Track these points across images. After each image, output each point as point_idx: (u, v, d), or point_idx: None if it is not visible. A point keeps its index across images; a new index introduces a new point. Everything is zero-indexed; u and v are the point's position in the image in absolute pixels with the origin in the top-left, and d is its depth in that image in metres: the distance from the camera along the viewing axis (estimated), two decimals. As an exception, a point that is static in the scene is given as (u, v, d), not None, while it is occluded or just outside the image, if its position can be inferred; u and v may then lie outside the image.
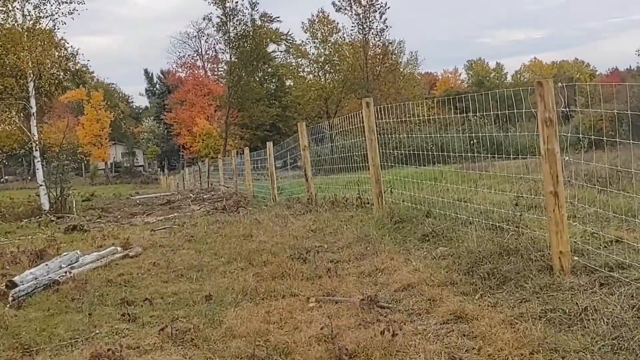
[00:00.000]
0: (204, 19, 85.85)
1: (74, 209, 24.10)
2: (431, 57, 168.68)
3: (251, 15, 78.45)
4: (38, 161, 24.39)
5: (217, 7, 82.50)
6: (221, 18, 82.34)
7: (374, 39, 72.55)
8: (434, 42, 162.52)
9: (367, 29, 71.26)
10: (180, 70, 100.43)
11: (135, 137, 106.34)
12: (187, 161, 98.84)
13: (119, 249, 9.63)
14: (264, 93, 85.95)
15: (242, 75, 78.68)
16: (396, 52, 74.43)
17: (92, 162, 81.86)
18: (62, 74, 24.91)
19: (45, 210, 23.73)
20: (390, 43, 73.39)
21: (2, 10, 24.38)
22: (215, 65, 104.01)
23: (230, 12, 77.09)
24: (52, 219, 22.12)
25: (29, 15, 24.00)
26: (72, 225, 16.45)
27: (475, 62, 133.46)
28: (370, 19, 71.04)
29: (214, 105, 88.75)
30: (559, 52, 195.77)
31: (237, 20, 77.75)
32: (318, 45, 74.45)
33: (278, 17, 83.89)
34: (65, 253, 8.77)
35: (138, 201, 29.18)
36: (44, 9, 23.72)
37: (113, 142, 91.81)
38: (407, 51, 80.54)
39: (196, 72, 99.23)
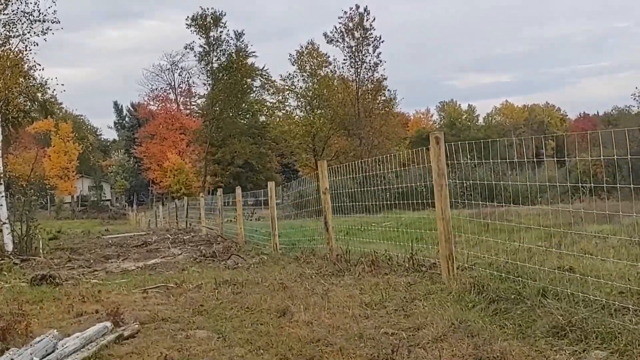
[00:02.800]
0: (185, 48, 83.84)
1: (40, 250, 21.41)
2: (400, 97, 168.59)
3: (236, 45, 76.27)
4: (2, 196, 21.64)
5: (200, 36, 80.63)
6: (204, 47, 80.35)
7: (367, 74, 70.38)
8: (402, 83, 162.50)
9: (359, 62, 69.00)
10: (152, 103, 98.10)
11: (103, 170, 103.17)
12: (157, 196, 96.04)
13: (108, 325, 7.11)
14: (245, 128, 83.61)
15: (223, 108, 76.12)
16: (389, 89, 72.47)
17: (57, 196, 78.54)
18: (29, 103, 22.31)
19: (8, 251, 20.96)
20: (385, 78, 71.01)
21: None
22: (188, 99, 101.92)
23: (214, 42, 74.97)
24: (15, 262, 19.46)
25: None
26: (41, 275, 13.81)
27: (447, 104, 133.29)
28: (363, 53, 68.93)
29: (185, 140, 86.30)
30: (529, 96, 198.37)
31: (220, 51, 75.69)
32: (306, 79, 71.80)
33: (254, 52, 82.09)
34: (38, 338, 6.23)
35: (110, 241, 26.53)
36: (15, 28, 21.20)
37: (80, 175, 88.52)
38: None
39: (168, 105, 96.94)
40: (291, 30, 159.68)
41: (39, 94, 24.69)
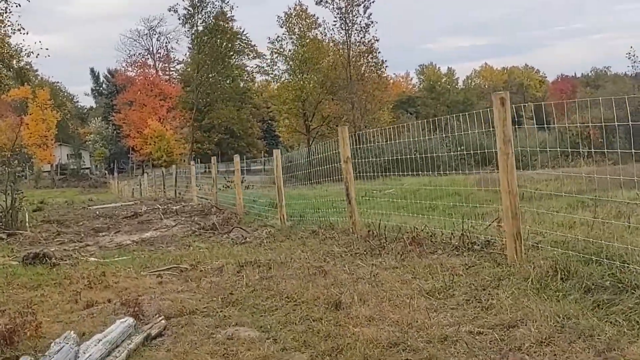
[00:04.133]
0: (169, 10, 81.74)
1: (27, 224, 20.20)
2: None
3: (221, 8, 74.20)
4: (-18, 167, 20.38)
5: None
6: (188, 10, 78.30)
7: (358, 36, 68.12)
8: (381, 47, 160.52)
9: (350, 24, 66.59)
10: (130, 69, 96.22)
11: (81, 138, 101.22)
12: (137, 164, 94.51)
13: (131, 322, 6.04)
14: (231, 93, 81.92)
15: (209, 72, 74.31)
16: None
17: (36, 165, 76.73)
18: (5, 71, 20.94)
19: (-11, 225, 19.74)
20: (377, 40, 68.68)
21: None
22: (167, 65, 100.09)
23: (198, 4, 72.89)
24: (1, 236, 18.28)
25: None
26: (33, 253, 12.66)
27: (427, 67, 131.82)
28: (353, 14, 66.48)
29: (166, 107, 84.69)
30: (507, 59, 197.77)
31: (205, 13, 73.66)
32: (295, 41, 69.34)
33: (233, 16, 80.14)
34: (56, 346, 5.14)
35: (97, 212, 25.36)
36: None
37: (58, 144, 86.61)
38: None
39: (147, 71, 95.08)
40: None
41: (14, 61, 23.24)
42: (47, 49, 19.29)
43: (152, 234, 17.54)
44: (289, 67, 66.27)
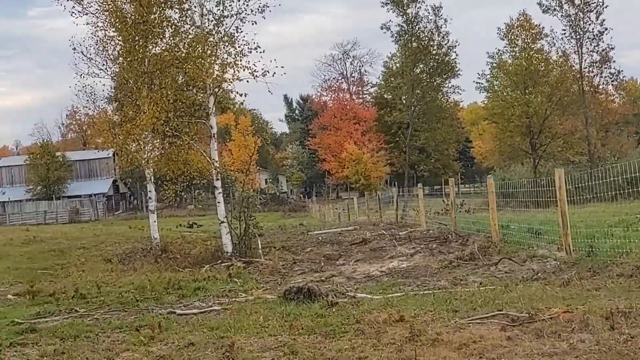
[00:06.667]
0: (381, 28, 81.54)
1: (259, 251, 19.43)
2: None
3: (435, 22, 72.75)
4: (219, 192, 19.86)
5: (397, 14, 78.06)
6: (401, 27, 77.77)
7: (590, 45, 62.69)
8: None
9: (580, 32, 61.48)
10: (324, 94, 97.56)
11: (276, 163, 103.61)
12: (332, 187, 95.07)
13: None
14: (449, 110, 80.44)
15: (426, 90, 73.08)
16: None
17: (238, 190, 78.79)
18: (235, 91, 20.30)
19: (228, 252, 19.17)
20: (612, 48, 62.99)
21: (176, 10, 20.24)
22: (360, 88, 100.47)
23: (412, 20, 71.94)
24: (238, 264, 17.54)
25: (210, 14, 19.64)
26: (296, 288, 11.39)
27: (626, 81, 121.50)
28: (585, 21, 61.51)
29: (360, 130, 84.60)
30: None
31: (419, 29, 72.62)
32: (517, 54, 64.52)
33: (448, 32, 78.28)
34: None
35: (320, 238, 24.36)
36: (229, 6, 19.25)
37: (258, 169, 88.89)
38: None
39: (341, 95, 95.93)
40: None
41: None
42: (282, 66, 18.27)
43: (397, 264, 16.11)
44: (511, 81, 62.27)
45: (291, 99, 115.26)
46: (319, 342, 7.43)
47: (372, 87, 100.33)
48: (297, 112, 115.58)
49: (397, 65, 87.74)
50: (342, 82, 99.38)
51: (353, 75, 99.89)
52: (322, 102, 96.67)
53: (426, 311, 8.56)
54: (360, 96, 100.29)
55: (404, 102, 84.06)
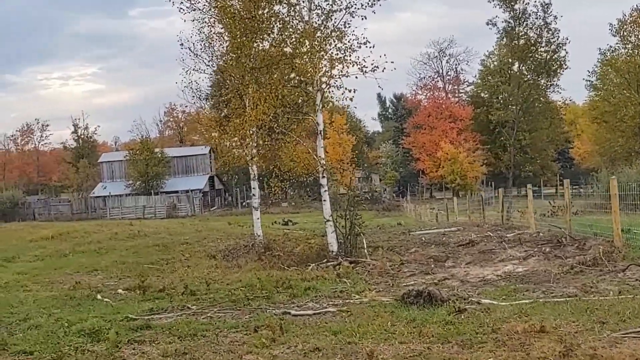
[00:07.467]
0: (487, 24, 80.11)
1: (365, 250, 19.00)
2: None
3: (543, 18, 70.71)
4: (325, 190, 19.56)
5: (504, 9, 76.53)
6: (508, 22, 76.23)
7: None
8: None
9: None
10: (420, 92, 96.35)
11: (370, 162, 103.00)
12: (426, 187, 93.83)
13: None
14: (556, 110, 78.29)
15: (532, 88, 71.09)
16: None
17: (333, 187, 78.77)
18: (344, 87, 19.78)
19: (333, 252, 18.81)
20: None
21: (284, 5, 20.00)
22: (456, 87, 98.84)
23: (520, 15, 70.24)
24: (345, 264, 17.16)
25: (318, 9, 19.30)
26: (415, 292, 10.89)
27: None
28: None
29: (456, 129, 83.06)
30: None
31: (526, 25, 70.88)
32: (631, 51, 61.87)
33: (558, 29, 75.89)
34: None
35: (423, 239, 23.73)
36: (339, 0, 18.87)
37: (352, 167, 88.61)
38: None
39: (436, 94, 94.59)
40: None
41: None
42: (392, 62, 17.76)
43: (512, 268, 15.39)
44: (624, 80, 59.31)
45: (384, 98, 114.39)
46: (457, 352, 6.94)
47: (468, 85, 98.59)
48: (390, 110, 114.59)
49: (495, 63, 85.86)
50: (437, 81, 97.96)
51: (449, 73, 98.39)
52: (416, 101, 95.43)
53: (568, 322, 7.93)
54: (456, 95, 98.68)
55: (502, 101, 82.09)
